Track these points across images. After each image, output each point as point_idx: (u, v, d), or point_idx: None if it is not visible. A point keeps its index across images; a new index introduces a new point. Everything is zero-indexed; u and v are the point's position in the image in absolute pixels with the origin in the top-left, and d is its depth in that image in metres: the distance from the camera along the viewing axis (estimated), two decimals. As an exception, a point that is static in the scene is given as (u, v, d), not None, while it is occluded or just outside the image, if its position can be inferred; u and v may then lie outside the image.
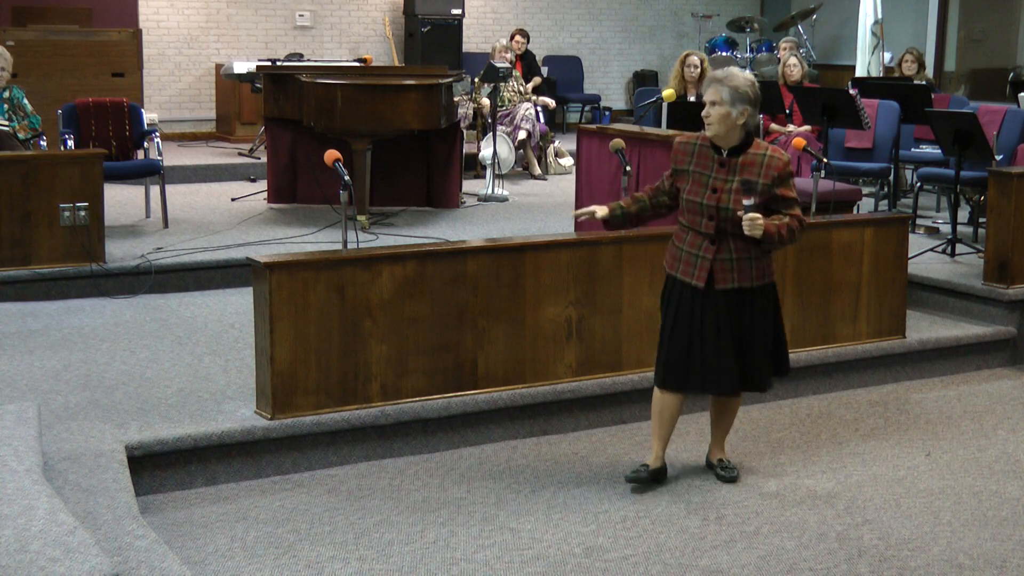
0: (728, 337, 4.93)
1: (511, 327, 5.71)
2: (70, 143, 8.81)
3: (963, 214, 9.38)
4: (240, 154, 12.27)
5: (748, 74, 4.90)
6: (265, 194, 10.13)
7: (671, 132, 7.91)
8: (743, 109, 4.82)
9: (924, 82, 11.00)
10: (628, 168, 6.76)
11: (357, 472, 5.27)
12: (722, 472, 5.27)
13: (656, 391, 5.11)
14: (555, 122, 14.54)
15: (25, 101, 8.64)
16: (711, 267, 4.89)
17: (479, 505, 4.93)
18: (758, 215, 4.77)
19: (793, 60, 10.58)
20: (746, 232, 4.77)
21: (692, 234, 4.96)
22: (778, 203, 4.88)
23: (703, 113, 4.88)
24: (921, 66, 11.64)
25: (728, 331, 4.93)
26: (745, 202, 4.77)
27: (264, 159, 10.85)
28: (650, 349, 6.01)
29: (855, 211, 8.72)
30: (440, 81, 9.35)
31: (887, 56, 13.36)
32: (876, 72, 12.74)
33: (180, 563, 4.02)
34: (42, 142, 8.65)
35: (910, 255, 7.07)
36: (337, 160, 5.89)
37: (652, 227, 5.85)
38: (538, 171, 12.13)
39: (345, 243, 5.90)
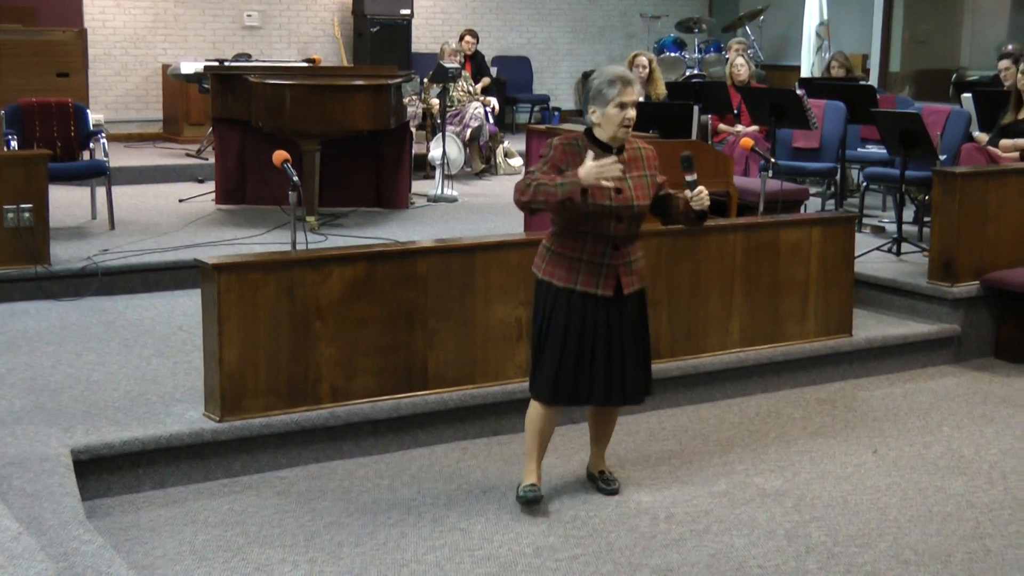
0: (631, 343, 4.81)
1: (461, 328, 5.71)
2: (14, 144, 8.69)
3: (908, 213, 9.48)
4: (188, 155, 12.18)
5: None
6: (213, 195, 10.06)
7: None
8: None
9: (863, 80, 11.09)
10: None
11: (307, 474, 5.25)
12: (604, 485, 5.09)
13: (536, 408, 4.87)
14: (504, 122, 14.55)
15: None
16: (617, 273, 4.74)
17: (429, 506, 4.93)
18: (702, 187, 4.76)
19: (740, 60, 10.67)
20: (696, 207, 4.74)
21: (592, 240, 4.69)
22: (662, 187, 4.84)
23: (629, 116, 4.67)
24: (848, 70, 11.76)
25: (631, 337, 4.81)
26: (688, 178, 4.75)
27: (212, 160, 10.76)
28: (600, 349, 6.04)
29: (802, 211, 8.80)
30: (389, 81, 9.34)
31: (832, 57, 13.49)
32: (820, 73, 12.87)
33: (128, 568, 3.98)
34: (-15, 143, 8.55)
35: (857, 254, 7.13)
36: (286, 161, 5.87)
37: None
38: (480, 167, 12.14)
39: (294, 244, 5.88)
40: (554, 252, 4.77)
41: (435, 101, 11.50)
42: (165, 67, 13.20)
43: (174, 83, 12.85)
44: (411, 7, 14.53)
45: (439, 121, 11.22)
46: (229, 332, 5.18)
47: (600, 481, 5.11)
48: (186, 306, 7.21)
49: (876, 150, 10.33)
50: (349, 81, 9.31)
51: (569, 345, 4.74)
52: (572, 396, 4.81)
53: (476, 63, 13.70)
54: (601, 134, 4.72)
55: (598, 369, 4.77)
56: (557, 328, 4.74)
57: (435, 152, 11.30)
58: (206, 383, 5.32)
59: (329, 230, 8.87)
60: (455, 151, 11.50)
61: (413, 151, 10.62)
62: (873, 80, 13.87)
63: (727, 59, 11.75)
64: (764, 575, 4.38)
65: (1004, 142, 8.33)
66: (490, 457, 5.51)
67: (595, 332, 4.74)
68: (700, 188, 4.75)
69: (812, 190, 9.80)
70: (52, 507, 4.32)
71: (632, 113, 4.67)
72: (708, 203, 4.76)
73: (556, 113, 15.49)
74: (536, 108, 15.71)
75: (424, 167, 11.85)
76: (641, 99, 10.12)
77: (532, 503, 4.86)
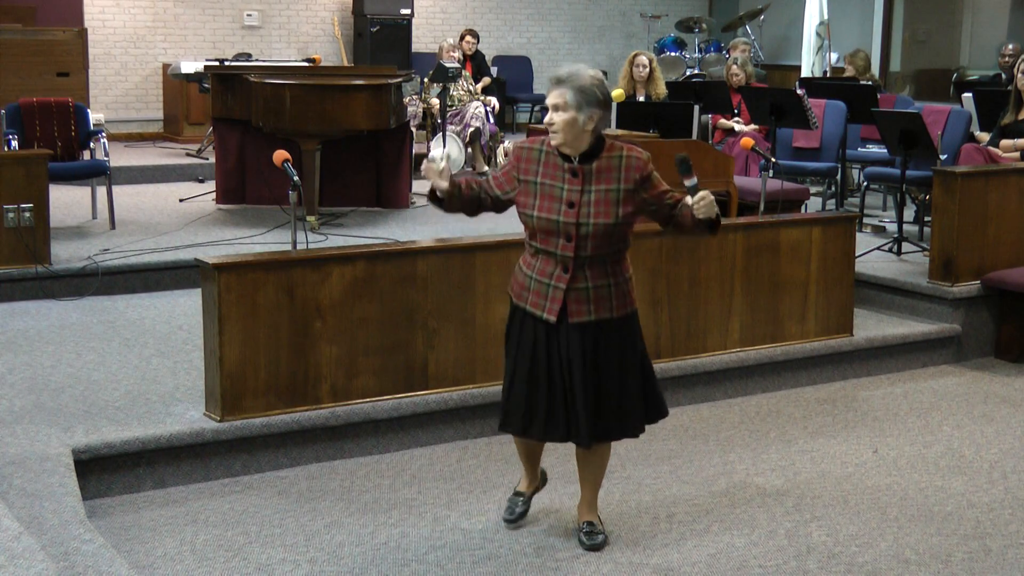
0: (581, 379, 4.29)
1: (461, 327, 5.71)
2: (14, 143, 8.70)
3: (909, 213, 9.49)
4: (188, 155, 12.19)
5: (595, 72, 4.26)
6: (213, 195, 10.06)
7: (620, 132, 7.95)
8: (591, 113, 4.18)
9: (870, 82, 11.13)
10: (578, 168, 6.77)
11: (307, 474, 5.25)
12: (584, 539, 4.53)
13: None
14: (504, 122, 14.55)
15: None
16: (564, 298, 4.27)
17: (430, 506, 4.93)
18: (705, 192, 4.16)
19: (735, 68, 10.67)
20: (700, 215, 4.15)
21: (542, 259, 4.30)
22: (657, 201, 4.28)
23: (545, 120, 4.28)
24: (858, 73, 11.78)
25: (582, 372, 4.29)
26: (687, 183, 4.17)
27: (212, 160, 10.77)
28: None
29: (803, 210, 8.80)
30: (389, 81, 9.33)
31: (833, 56, 13.50)
32: (820, 72, 12.88)
33: (128, 567, 3.98)
34: (-14, 142, 8.55)
35: (857, 254, 7.13)
36: (286, 160, 5.86)
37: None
38: (485, 168, 12.14)
39: (294, 244, 5.87)
40: (518, 265, 4.45)
41: (435, 101, 11.49)
42: (165, 67, 13.20)
43: (174, 83, 12.85)
44: (411, 7, 14.53)
45: (439, 121, 11.22)
46: (229, 332, 5.18)
47: (582, 533, 4.57)
48: (186, 306, 7.21)
49: (876, 150, 10.34)
50: (349, 81, 9.30)
51: (518, 369, 4.38)
52: (521, 428, 4.42)
53: (476, 63, 13.70)
54: None
55: (545, 403, 4.35)
56: (511, 348, 4.44)
57: (435, 152, 11.29)
58: (206, 383, 5.32)
59: (329, 230, 8.87)
60: (455, 151, 11.50)
61: (413, 151, 10.62)
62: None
63: (729, 58, 11.76)
64: (764, 575, 4.38)
65: (1004, 142, 8.32)
66: (490, 457, 5.51)
67: (545, 361, 4.33)
68: (703, 193, 4.16)
69: (812, 190, 9.81)
70: (52, 507, 4.32)
71: (551, 116, 4.23)
72: (716, 209, 4.18)
73: (556, 113, 15.47)
74: (536, 108, 15.70)
75: (424, 167, 11.83)
76: (641, 99, 10.18)
77: (512, 520, 4.72)
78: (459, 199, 4.39)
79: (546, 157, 4.30)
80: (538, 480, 4.83)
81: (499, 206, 4.45)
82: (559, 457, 5.45)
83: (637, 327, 4.44)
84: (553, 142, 4.26)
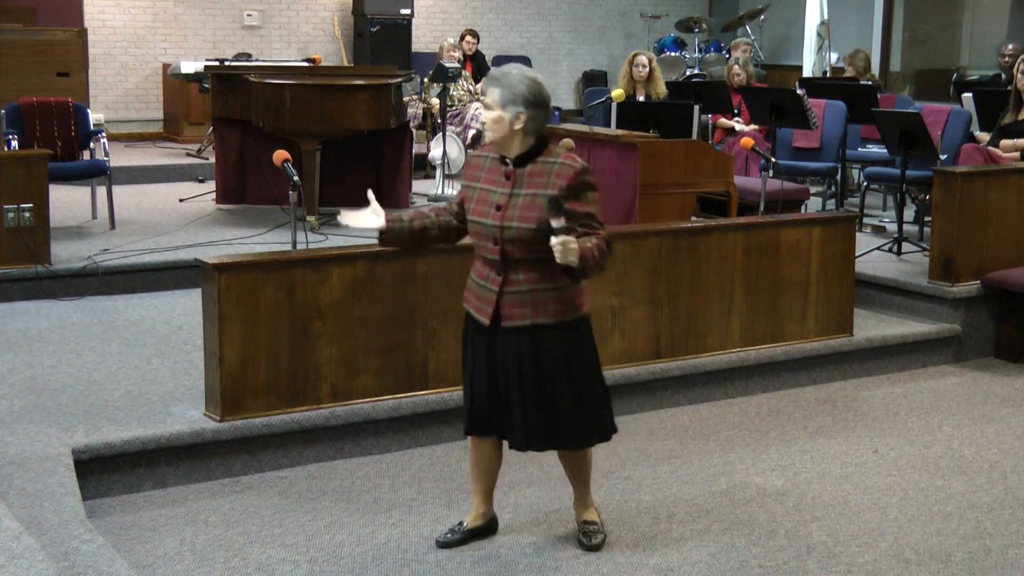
0: (518, 385, 4.24)
1: (461, 327, 5.69)
2: (14, 143, 8.70)
3: (909, 213, 9.49)
4: (188, 155, 12.18)
5: (528, 72, 4.17)
6: (213, 195, 10.06)
7: (620, 132, 7.94)
8: (517, 112, 4.10)
9: (870, 82, 11.13)
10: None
11: (307, 474, 5.25)
12: (583, 539, 4.51)
13: (470, 439, 4.53)
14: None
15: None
16: (497, 301, 4.21)
17: (430, 506, 4.93)
18: (570, 238, 3.99)
19: (736, 68, 10.67)
20: (558, 260, 4.00)
21: (480, 262, 4.28)
22: (574, 219, 4.09)
23: (482, 120, 4.25)
24: (858, 74, 11.78)
25: (518, 378, 4.23)
26: (554, 223, 3.99)
27: (212, 160, 10.77)
28: (600, 347, 6.01)
29: (803, 210, 8.80)
30: (389, 81, 9.33)
31: (833, 56, 13.50)
32: (820, 72, 12.88)
33: (128, 567, 3.98)
34: (-14, 142, 8.56)
35: (857, 254, 7.13)
36: (286, 160, 5.86)
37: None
38: None
39: (294, 244, 5.87)
40: (471, 273, 4.40)
41: (435, 101, 11.49)
42: (165, 67, 13.20)
43: (174, 83, 12.85)
44: (411, 7, 14.53)
45: (439, 121, 11.22)
46: (229, 332, 5.18)
47: (580, 533, 4.55)
48: (186, 306, 7.21)
49: (876, 150, 10.34)
50: (349, 81, 9.30)
51: (477, 375, 4.35)
52: (484, 428, 4.39)
53: (477, 63, 13.69)
54: None
55: (482, 402, 4.34)
56: (468, 355, 4.41)
57: (435, 152, 11.30)
58: (206, 383, 5.32)
59: (329, 230, 8.86)
60: (455, 151, 11.49)
61: (413, 151, 10.62)
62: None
63: (729, 58, 11.77)
64: (764, 575, 4.37)
65: (1004, 142, 8.33)
66: (490, 457, 5.51)
67: (484, 362, 4.30)
68: (563, 238, 3.97)
69: (812, 190, 9.80)
70: (52, 507, 4.32)
71: (484, 114, 4.20)
72: (573, 259, 3.99)
73: (556, 113, 15.48)
74: (536, 108, 15.69)
75: (424, 167, 11.85)
76: (641, 99, 10.18)
77: (443, 546, 4.51)
78: (400, 235, 4.35)
79: (491, 163, 4.27)
80: (484, 518, 4.59)
81: (451, 233, 4.41)
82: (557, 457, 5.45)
83: (585, 335, 4.32)
84: (486, 140, 4.25)
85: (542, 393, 4.25)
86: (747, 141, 7.65)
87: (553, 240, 3.99)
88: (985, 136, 8.79)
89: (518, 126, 4.13)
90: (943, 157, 8.46)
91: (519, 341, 4.22)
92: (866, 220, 9.41)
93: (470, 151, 4.44)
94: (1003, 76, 11.91)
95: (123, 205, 9.62)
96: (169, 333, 6.72)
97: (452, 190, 10.76)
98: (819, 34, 13.14)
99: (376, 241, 4.43)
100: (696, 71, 15.14)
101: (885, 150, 9.35)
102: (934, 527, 4.83)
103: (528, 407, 4.26)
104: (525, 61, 15.84)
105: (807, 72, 12.93)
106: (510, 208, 4.15)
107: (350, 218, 4.35)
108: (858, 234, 7.50)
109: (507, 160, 4.21)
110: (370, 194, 4.41)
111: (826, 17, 13.14)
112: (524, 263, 4.17)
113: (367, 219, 4.33)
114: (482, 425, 4.39)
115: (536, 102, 4.12)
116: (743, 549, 4.58)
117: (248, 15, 14.21)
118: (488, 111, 4.16)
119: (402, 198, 10.15)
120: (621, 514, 4.87)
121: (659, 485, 5.20)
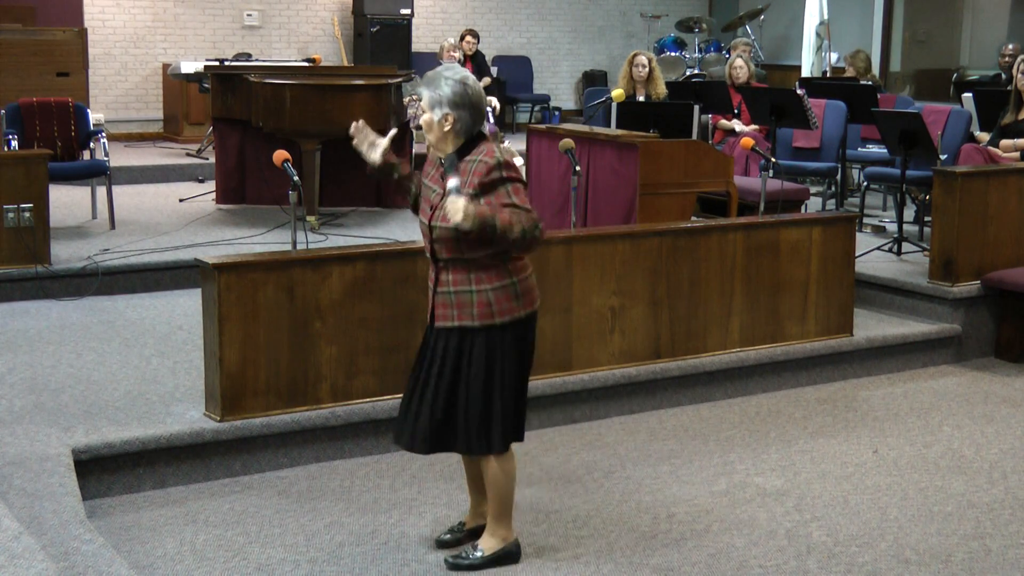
0: (434, 384, 4.21)
1: (462, 327, 5.70)
2: (14, 143, 8.71)
3: (909, 213, 9.48)
4: (188, 155, 12.18)
5: (457, 74, 4.18)
6: (213, 195, 10.06)
7: (620, 132, 7.94)
8: (445, 114, 4.12)
9: (870, 82, 11.13)
10: (578, 168, 6.78)
11: (307, 474, 5.25)
12: (448, 558, 4.38)
13: None
14: (505, 122, 14.55)
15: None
16: (433, 300, 4.24)
17: (430, 506, 4.93)
18: (460, 196, 3.94)
19: (739, 62, 10.67)
20: (451, 221, 3.97)
21: (427, 261, 4.33)
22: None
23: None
24: (858, 74, 11.79)
25: (436, 377, 4.21)
26: (449, 183, 4.01)
27: (212, 160, 10.77)
28: (600, 347, 6.04)
29: (803, 210, 8.80)
30: (389, 81, 9.34)
31: (833, 56, 13.50)
32: (820, 72, 12.87)
33: (128, 567, 3.98)
34: (-14, 142, 8.56)
35: (857, 254, 7.13)
36: (286, 160, 5.86)
37: (604, 227, 5.86)
38: None
39: (294, 244, 5.87)
40: None
41: (435, 101, 11.47)
42: (165, 67, 13.20)
43: (174, 83, 12.85)
44: (411, 7, 14.53)
45: (439, 121, 11.20)
46: (229, 332, 5.18)
47: (456, 543, 4.49)
48: (186, 306, 7.21)
49: (876, 150, 10.34)
50: (349, 81, 9.31)
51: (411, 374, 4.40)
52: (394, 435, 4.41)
53: (477, 63, 13.69)
54: None
55: (406, 407, 4.33)
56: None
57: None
58: (206, 383, 5.31)
59: (329, 230, 8.87)
60: (455, 151, 11.48)
61: (413, 151, 10.62)
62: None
63: (728, 58, 11.76)
64: (764, 575, 4.37)
65: (1004, 142, 8.33)
66: (490, 457, 5.50)
67: (420, 361, 4.32)
68: (452, 198, 3.95)
69: (812, 190, 9.80)
70: (52, 507, 4.32)
71: (421, 117, 4.26)
72: (461, 219, 3.92)
73: (556, 113, 15.49)
74: (536, 108, 15.71)
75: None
76: (641, 99, 10.18)
77: (444, 546, 4.50)
78: (394, 178, 4.49)
79: (437, 163, 4.31)
80: (484, 518, 4.49)
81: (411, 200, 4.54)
82: (559, 457, 5.45)
83: (513, 343, 4.23)
84: (431, 141, 4.26)
85: (452, 396, 4.22)
86: (747, 141, 7.64)
87: (447, 200, 3.99)
88: (985, 136, 8.79)
89: (447, 127, 4.15)
90: (943, 157, 8.46)
91: (447, 341, 4.22)
92: (866, 220, 9.41)
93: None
94: (1003, 76, 11.91)
95: (123, 205, 9.62)
96: (169, 333, 6.72)
97: (452, 190, 10.75)
98: (818, 34, 13.13)
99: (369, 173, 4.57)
100: (696, 71, 15.14)
101: (885, 150, 9.35)
102: (934, 527, 4.83)
103: (434, 408, 4.22)
104: (525, 61, 15.87)
105: (806, 72, 12.93)
106: (439, 208, 4.16)
107: (362, 138, 4.48)
108: (858, 234, 7.50)
109: (443, 160, 4.24)
110: (391, 133, 4.52)
111: (826, 17, 13.13)
112: (452, 263, 4.18)
113: (370, 150, 4.45)
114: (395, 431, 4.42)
115: (462, 103, 4.13)
116: (743, 549, 4.58)
117: (248, 15, 14.21)
118: (423, 113, 4.22)
119: (402, 198, 10.13)
120: (621, 514, 4.87)
121: (659, 485, 5.20)
